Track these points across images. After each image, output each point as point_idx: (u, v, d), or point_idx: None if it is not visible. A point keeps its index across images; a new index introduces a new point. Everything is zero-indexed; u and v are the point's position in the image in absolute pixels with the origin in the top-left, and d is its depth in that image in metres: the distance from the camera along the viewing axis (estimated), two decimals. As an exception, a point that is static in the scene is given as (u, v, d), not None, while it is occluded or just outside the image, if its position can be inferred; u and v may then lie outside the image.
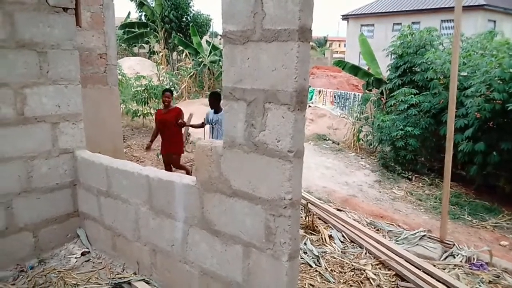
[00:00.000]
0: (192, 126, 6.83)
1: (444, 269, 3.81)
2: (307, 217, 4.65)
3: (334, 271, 3.70)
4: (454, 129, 4.32)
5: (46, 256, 3.51)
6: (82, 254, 3.57)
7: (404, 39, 9.57)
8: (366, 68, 12.71)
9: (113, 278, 3.22)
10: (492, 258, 4.00)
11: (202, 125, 6.16)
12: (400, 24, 21.32)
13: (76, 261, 3.47)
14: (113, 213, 3.37)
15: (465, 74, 8.08)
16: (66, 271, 3.32)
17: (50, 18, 3.36)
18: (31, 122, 3.35)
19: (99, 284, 3.12)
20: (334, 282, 3.49)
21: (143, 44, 24.34)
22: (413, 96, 8.65)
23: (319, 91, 16.98)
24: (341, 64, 12.41)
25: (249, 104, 2.24)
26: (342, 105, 15.72)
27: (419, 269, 3.67)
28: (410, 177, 8.60)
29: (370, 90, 11.34)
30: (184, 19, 23.02)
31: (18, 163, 3.31)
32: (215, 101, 5.71)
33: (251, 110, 2.23)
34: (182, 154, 6.44)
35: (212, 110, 5.78)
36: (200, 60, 18.15)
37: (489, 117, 7.14)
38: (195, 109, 11.75)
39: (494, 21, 22.17)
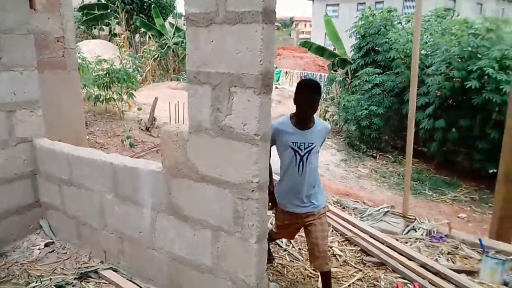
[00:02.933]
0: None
1: (406, 242, 3.97)
2: (275, 198, 4.70)
3: (303, 249, 3.78)
4: (416, 107, 4.45)
5: (7, 249, 3.39)
6: (46, 245, 3.46)
7: (365, 19, 9.70)
8: (332, 48, 12.81)
9: (79, 267, 3.16)
10: (451, 230, 4.19)
11: None
12: (364, 3, 21.54)
13: (40, 253, 3.37)
14: (77, 202, 3.28)
15: (426, 52, 8.31)
16: (29, 263, 3.22)
17: (3, 1, 3.16)
18: (-16, 111, 3.18)
19: (65, 274, 3.06)
20: (302, 260, 3.57)
21: (103, 26, 23.39)
22: (376, 76, 8.84)
23: (286, 72, 17.03)
24: (307, 44, 12.46)
25: (214, 88, 2.21)
26: (309, 86, 15.82)
27: (383, 244, 3.81)
28: (374, 155, 8.85)
29: (336, 71, 11.49)
30: (146, 0, 22.26)
31: (-28, 153, 3.15)
32: (314, 102, 2.69)
33: (217, 94, 2.20)
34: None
35: (289, 121, 2.77)
36: (164, 42, 17.71)
37: (448, 95, 7.41)
38: (160, 93, 11.52)
39: (454, 0, 22.79)
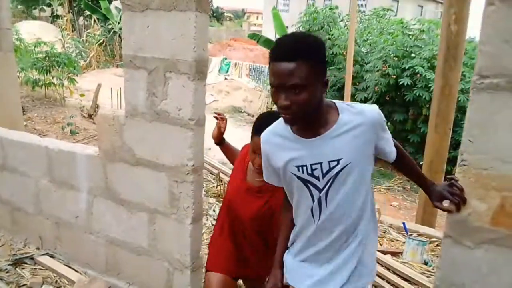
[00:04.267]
0: None
1: (339, 227, 4.23)
2: (218, 186, 4.81)
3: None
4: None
5: None
6: (-23, 232, 3.35)
7: (309, 16, 10.03)
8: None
9: (14, 254, 3.08)
10: (381, 216, 4.51)
11: None
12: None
13: (-30, 241, 3.25)
14: (11, 187, 3.19)
15: (366, 50, 8.75)
16: (-42, 251, 3.11)
17: None
18: None
19: (-2, 261, 2.99)
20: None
21: (44, 7, 22.14)
22: (320, 70, 9.15)
23: (235, 64, 17.07)
24: (255, 37, 12.58)
25: (150, 72, 2.26)
26: (257, 78, 16.03)
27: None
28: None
29: (283, 64, 11.72)
30: (90, -19, 21.30)
31: None
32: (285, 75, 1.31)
33: (152, 79, 2.26)
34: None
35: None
36: (110, 26, 17.11)
37: (385, 90, 7.88)
38: (104, 79, 11.19)
39: (398, 1, 23.91)
